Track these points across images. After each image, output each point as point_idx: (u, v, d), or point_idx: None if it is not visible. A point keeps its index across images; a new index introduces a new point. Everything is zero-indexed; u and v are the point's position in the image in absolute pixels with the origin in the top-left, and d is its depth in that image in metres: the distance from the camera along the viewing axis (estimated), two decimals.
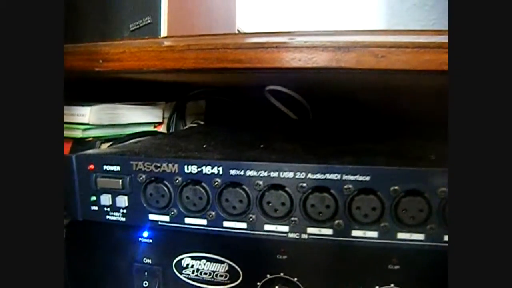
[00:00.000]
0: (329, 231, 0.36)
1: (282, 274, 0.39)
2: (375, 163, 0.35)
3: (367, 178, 0.34)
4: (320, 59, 0.43)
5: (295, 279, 0.39)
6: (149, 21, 0.51)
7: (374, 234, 0.35)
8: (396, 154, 0.41)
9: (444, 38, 0.42)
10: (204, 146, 0.45)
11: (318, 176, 0.35)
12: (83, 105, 0.55)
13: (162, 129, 0.66)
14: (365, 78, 0.57)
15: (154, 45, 0.47)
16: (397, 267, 0.37)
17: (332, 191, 0.35)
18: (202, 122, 0.73)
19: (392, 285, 0.37)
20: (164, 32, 0.51)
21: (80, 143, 0.54)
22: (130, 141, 0.54)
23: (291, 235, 0.37)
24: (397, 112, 0.72)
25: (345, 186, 0.35)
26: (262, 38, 0.47)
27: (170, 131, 0.67)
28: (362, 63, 0.42)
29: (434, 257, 0.36)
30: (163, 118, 0.67)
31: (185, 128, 0.68)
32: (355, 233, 0.36)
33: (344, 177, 0.35)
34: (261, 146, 0.44)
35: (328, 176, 0.35)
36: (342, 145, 0.46)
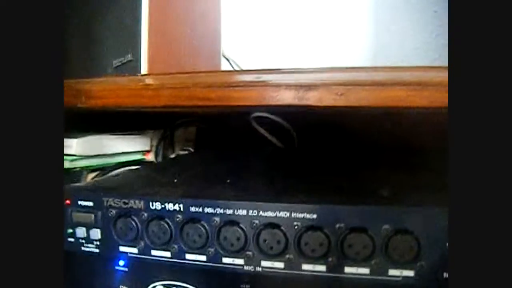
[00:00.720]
0: (281, 265, 0.38)
1: None
2: (322, 201, 0.38)
3: (314, 216, 0.37)
4: (284, 97, 0.45)
5: None
6: (130, 58, 0.54)
7: (322, 268, 0.38)
8: (353, 190, 0.43)
9: (400, 75, 0.44)
10: (175, 180, 0.48)
11: (269, 213, 0.37)
12: (70, 137, 0.58)
13: (150, 156, 0.69)
14: None
15: (131, 84, 0.51)
16: None
17: (282, 228, 0.37)
18: (191, 149, 0.76)
19: None
20: (144, 68, 0.54)
21: (68, 173, 0.58)
22: (112, 172, 0.57)
23: (246, 267, 0.39)
24: (383, 140, 0.74)
25: (294, 223, 0.37)
26: (232, 76, 0.49)
27: (158, 158, 0.70)
28: (323, 100, 0.44)
29: None
30: (151, 146, 0.70)
31: (170, 157, 0.71)
32: (305, 267, 0.38)
33: (293, 215, 0.37)
34: (228, 181, 0.46)
35: (278, 214, 0.37)
36: (307, 178, 0.48)
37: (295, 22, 0.91)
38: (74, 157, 0.57)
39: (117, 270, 0.45)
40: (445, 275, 0.36)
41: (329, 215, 0.37)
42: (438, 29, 0.79)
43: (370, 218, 0.36)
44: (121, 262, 0.45)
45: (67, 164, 0.57)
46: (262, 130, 0.68)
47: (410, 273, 0.37)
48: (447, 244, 0.35)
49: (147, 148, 0.69)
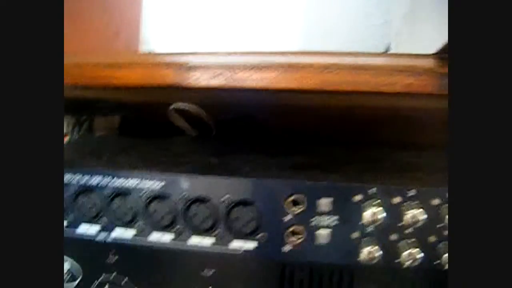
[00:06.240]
0: (132, 231, 0.39)
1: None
2: (169, 170, 0.39)
3: (162, 184, 0.38)
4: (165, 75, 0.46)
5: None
6: None
7: (170, 236, 0.38)
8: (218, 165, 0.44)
9: (275, 59, 0.45)
10: None
11: (121, 181, 0.38)
12: None
13: (66, 141, 0.69)
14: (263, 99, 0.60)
15: None
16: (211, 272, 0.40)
17: (131, 195, 0.38)
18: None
19: None
20: None
21: None
22: None
23: (98, 238, 0.40)
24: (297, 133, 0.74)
25: (143, 191, 0.38)
26: (127, 56, 0.50)
27: None
28: (200, 82, 0.46)
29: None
30: (67, 131, 0.70)
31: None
32: (153, 235, 0.39)
33: (142, 182, 0.38)
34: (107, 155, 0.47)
35: (131, 181, 0.38)
36: (182, 158, 0.49)
37: (223, 7, 0.89)
38: None
39: None
40: (284, 249, 0.37)
41: (175, 184, 0.37)
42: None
43: (211, 188, 0.37)
44: None
45: None
46: (179, 120, 0.69)
47: (251, 244, 0.37)
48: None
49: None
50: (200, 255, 0.39)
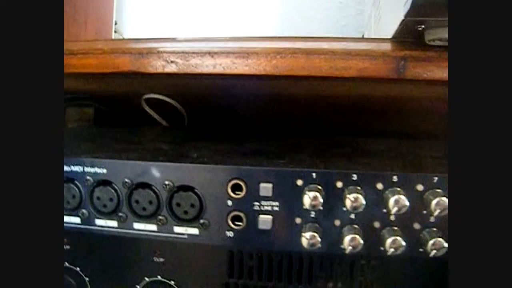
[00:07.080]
0: (77, 220, 0.39)
1: None
2: (112, 156, 0.38)
3: (104, 171, 0.37)
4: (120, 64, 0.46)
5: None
6: None
7: (113, 223, 0.38)
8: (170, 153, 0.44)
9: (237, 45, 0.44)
10: None
11: (66, 168, 0.38)
12: None
13: None
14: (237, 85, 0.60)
15: None
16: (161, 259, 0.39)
17: (76, 182, 0.38)
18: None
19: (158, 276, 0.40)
20: None
21: None
22: None
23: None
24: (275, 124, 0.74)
25: (87, 177, 0.38)
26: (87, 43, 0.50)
27: None
28: (155, 68, 0.45)
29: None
30: None
31: None
32: (98, 222, 0.38)
33: (86, 169, 0.38)
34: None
35: (73, 168, 0.38)
36: (136, 145, 0.49)
37: None
38: None
39: None
40: (228, 234, 0.36)
41: (118, 170, 0.37)
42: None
43: (152, 173, 0.37)
44: None
45: None
46: (149, 110, 0.68)
47: (194, 231, 0.37)
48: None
49: None
50: (146, 241, 0.38)
